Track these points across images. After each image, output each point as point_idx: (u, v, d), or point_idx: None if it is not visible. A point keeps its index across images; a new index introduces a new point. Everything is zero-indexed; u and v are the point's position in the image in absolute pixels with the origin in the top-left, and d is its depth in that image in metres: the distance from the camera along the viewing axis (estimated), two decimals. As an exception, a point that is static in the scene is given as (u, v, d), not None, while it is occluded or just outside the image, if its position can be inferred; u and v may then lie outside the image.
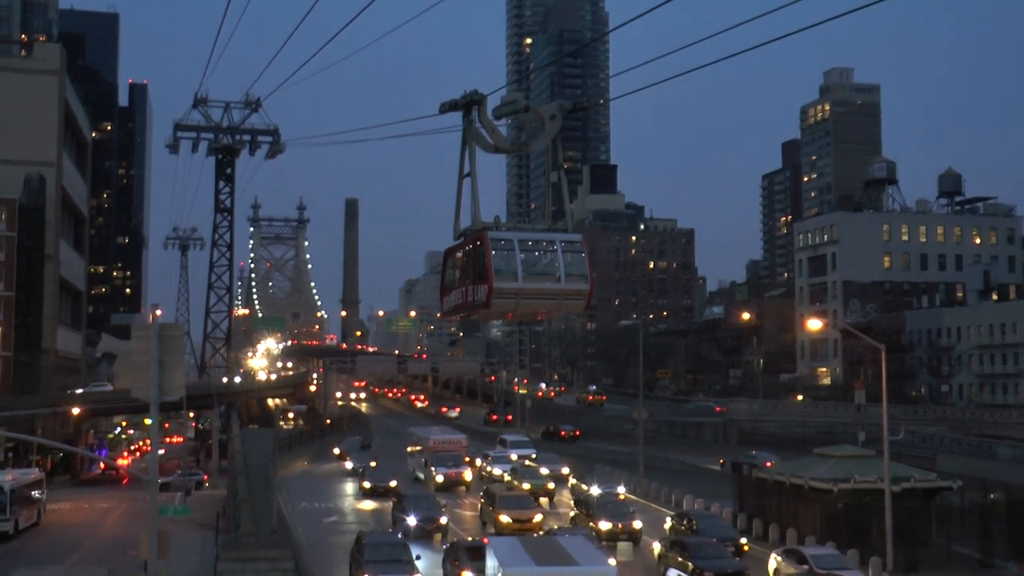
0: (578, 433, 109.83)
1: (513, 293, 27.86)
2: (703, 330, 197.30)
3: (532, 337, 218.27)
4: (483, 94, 29.02)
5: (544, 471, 70.15)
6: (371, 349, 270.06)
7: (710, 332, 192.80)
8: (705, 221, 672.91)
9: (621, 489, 62.29)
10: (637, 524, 47.93)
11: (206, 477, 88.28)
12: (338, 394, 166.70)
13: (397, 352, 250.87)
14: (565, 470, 73.39)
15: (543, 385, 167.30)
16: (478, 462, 77.77)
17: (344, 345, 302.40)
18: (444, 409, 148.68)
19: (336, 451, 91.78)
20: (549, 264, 28.47)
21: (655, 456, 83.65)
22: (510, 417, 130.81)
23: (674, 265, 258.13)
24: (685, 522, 46.98)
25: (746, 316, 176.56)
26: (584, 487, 62.56)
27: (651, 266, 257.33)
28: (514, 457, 76.64)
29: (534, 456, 78.91)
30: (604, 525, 47.24)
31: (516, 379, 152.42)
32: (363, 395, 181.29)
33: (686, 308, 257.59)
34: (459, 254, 29.92)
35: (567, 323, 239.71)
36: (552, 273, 28.31)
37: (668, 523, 48.80)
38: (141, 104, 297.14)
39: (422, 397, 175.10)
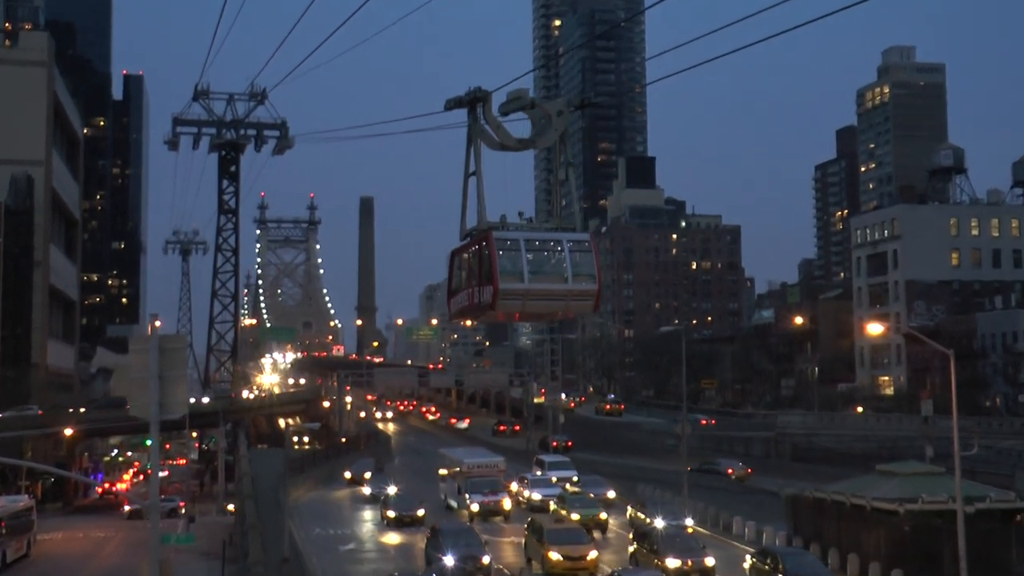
0: (570, 444, 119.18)
1: (519, 294, 29.52)
2: (751, 336, 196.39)
3: (565, 346, 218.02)
4: (487, 91, 30.64)
5: (591, 495, 68.09)
6: (379, 359, 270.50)
7: (759, 338, 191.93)
8: (752, 217, 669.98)
9: (689, 521, 59.75)
10: (710, 561, 45.98)
11: (182, 504, 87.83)
12: (362, 413, 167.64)
13: (410, 362, 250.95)
14: (611, 494, 72.21)
15: (563, 396, 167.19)
16: (514, 486, 75.40)
17: (355, 356, 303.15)
18: (453, 421, 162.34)
19: (347, 475, 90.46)
20: (556, 264, 30.23)
21: (699, 475, 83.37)
22: (518, 428, 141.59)
23: (719, 265, 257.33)
24: (769, 561, 44.53)
25: (799, 320, 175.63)
26: (644, 517, 60.07)
27: (694, 267, 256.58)
28: (554, 480, 74.72)
29: (575, 479, 77.00)
30: (672, 563, 45.14)
31: (546, 391, 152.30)
32: (390, 414, 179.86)
33: (733, 312, 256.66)
34: (465, 255, 31.65)
35: (602, 330, 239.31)
36: (559, 273, 30.08)
37: (748, 561, 46.13)
38: (137, 97, 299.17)
39: (432, 409, 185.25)
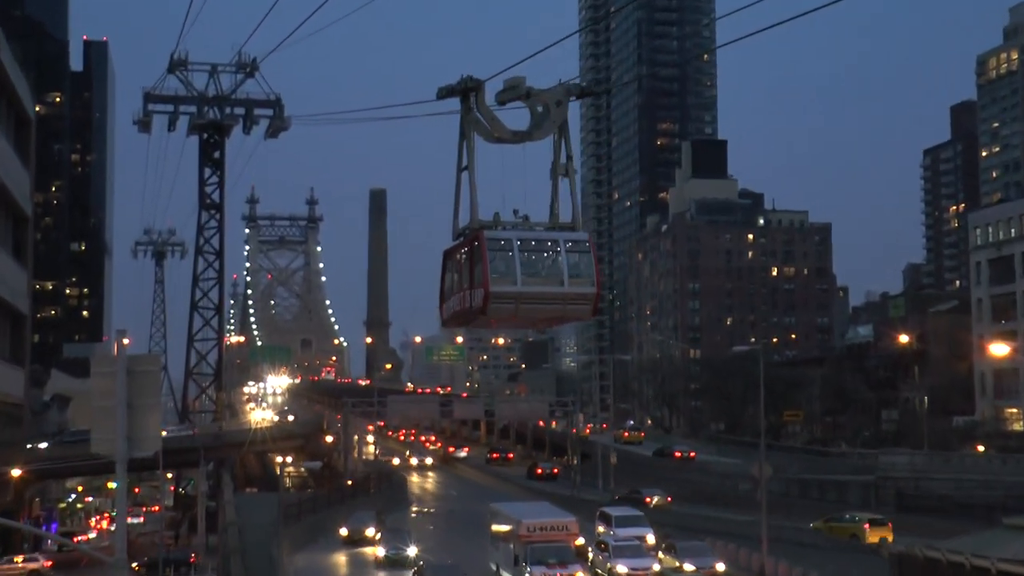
0: (556, 472, 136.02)
1: (512, 297, 32.64)
2: (845, 358, 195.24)
3: (617, 369, 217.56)
4: (480, 80, 33.71)
5: (688, 568, 64.88)
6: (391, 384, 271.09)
7: (855, 360, 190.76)
8: (846, 214, 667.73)
9: (721, 567, 59.21)
10: None
11: (193, 558, 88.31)
12: (396, 460, 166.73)
13: (430, 389, 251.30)
14: (720, 566, 67.24)
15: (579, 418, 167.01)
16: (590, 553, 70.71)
17: (362, 381, 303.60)
18: (451, 449, 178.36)
19: (343, 532, 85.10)
20: (552, 265, 33.47)
21: (781, 527, 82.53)
22: (511, 456, 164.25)
23: (805, 272, 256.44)
24: None
25: (904, 339, 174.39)
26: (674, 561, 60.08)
27: (774, 273, 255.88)
28: (625, 534, 71.64)
29: (651, 539, 73.98)
30: None
31: (593, 424, 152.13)
32: (429, 460, 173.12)
33: (822, 328, 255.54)
34: (457, 256, 34.99)
35: (663, 350, 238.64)
36: (555, 275, 33.32)
37: None
38: (100, 68, 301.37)
39: (432, 438, 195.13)
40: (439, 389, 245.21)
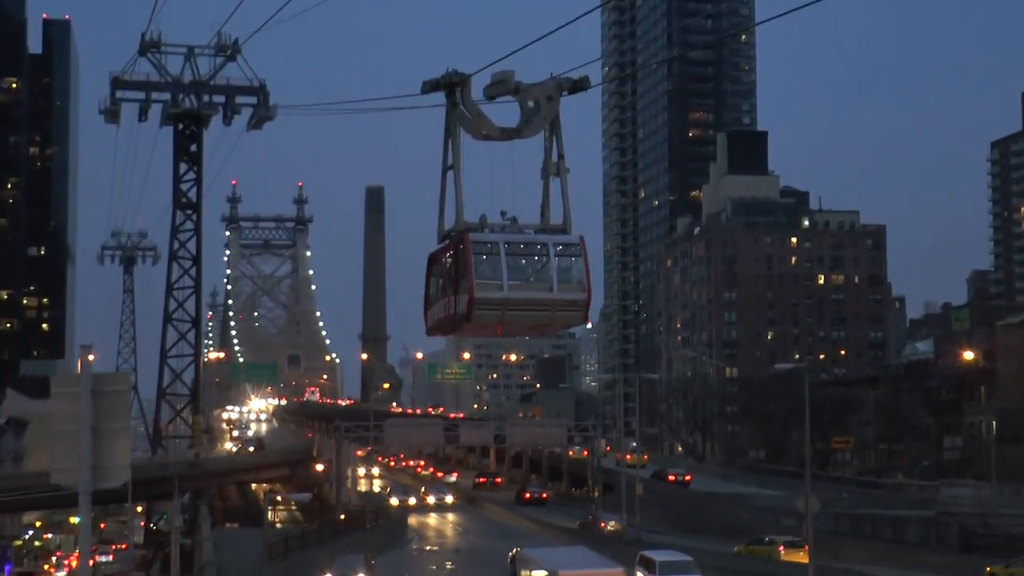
0: (545, 496, 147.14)
1: (498, 304, 34.38)
2: (902, 377, 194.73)
3: (644, 389, 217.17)
4: (465, 74, 35.51)
5: None
6: (394, 407, 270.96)
7: (913, 380, 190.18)
8: (902, 214, 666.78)
9: None
10: None
11: None
12: (430, 498, 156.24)
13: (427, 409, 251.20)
14: None
15: (601, 444, 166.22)
16: None
17: (343, 401, 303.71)
18: (440, 474, 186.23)
19: None
20: (540, 270, 35.35)
21: (829, 568, 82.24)
22: (500, 480, 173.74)
23: (856, 280, 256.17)
24: None
25: (969, 355, 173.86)
26: None
27: (821, 281, 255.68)
28: None
29: None
30: None
31: (620, 451, 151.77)
32: (450, 498, 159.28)
33: (875, 344, 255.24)
34: (442, 260, 36.85)
35: (695, 368, 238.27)
36: (544, 280, 35.09)
37: None
38: (63, 51, 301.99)
39: (422, 463, 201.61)
40: (440, 410, 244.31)
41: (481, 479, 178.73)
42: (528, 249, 35.60)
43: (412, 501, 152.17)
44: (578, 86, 37.41)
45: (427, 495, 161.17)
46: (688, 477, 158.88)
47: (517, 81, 35.98)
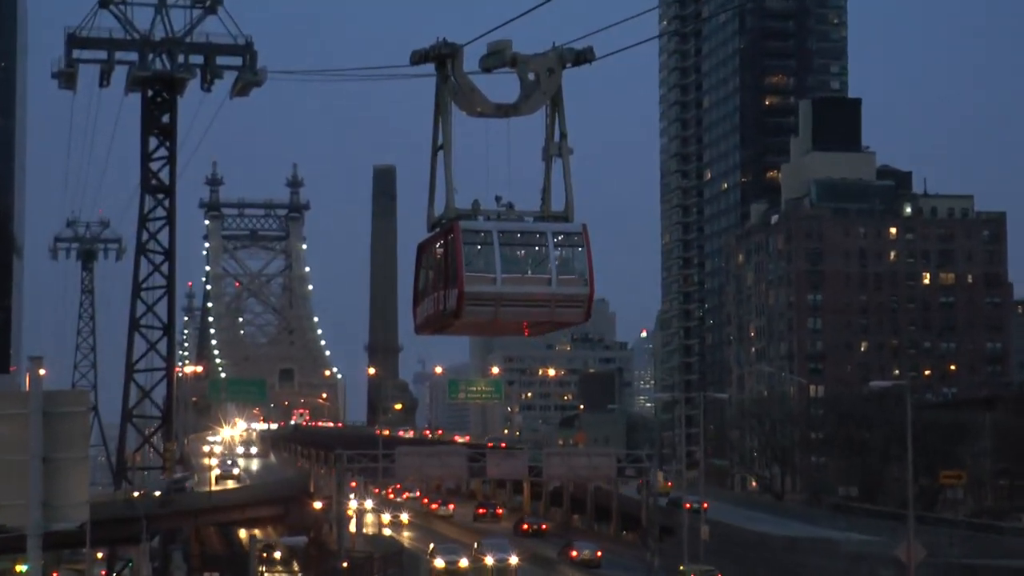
0: (545, 528, 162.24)
1: (491, 299, 36.74)
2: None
3: (711, 410, 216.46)
4: (457, 45, 37.69)
5: None
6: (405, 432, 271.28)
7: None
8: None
9: None
10: None
11: None
12: (487, 559, 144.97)
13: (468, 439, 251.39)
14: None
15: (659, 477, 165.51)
16: None
17: (324, 423, 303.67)
18: (434, 507, 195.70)
19: None
20: (538, 262, 37.63)
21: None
22: (500, 511, 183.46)
23: (970, 279, 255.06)
24: None
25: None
26: None
27: (926, 281, 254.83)
28: None
29: None
30: None
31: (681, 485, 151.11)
32: (514, 559, 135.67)
33: (993, 357, 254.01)
34: (431, 251, 39.29)
35: (772, 385, 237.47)
36: (541, 273, 37.42)
37: None
38: (8, 4, 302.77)
39: (418, 493, 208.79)
40: (467, 438, 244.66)
41: (480, 510, 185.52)
42: (525, 238, 37.82)
43: (464, 563, 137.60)
44: (582, 58, 38.89)
45: (483, 555, 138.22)
46: (705, 505, 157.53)
47: (514, 52, 37.89)
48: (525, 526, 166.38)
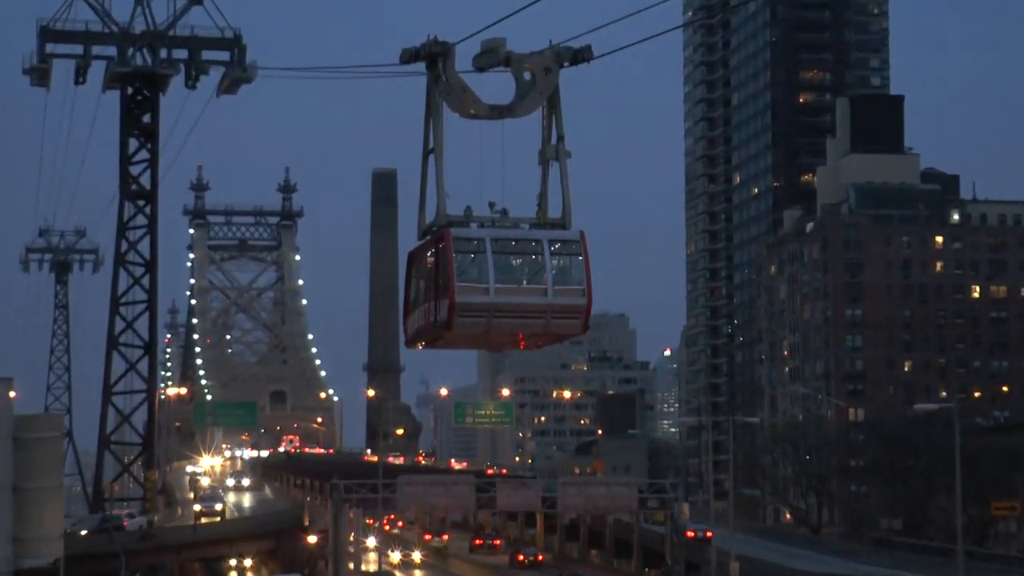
0: (541, 559, 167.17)
1: (483, 310, 38.35)
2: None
3: (741, 436, 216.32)
4: (448, 43, 39.24)
5: None
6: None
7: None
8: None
9: None
10: None
11: None
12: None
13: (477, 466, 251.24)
14: None
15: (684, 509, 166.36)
16: None
17: (313, 449, 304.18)
18: (428, 537, 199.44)
19: None
20: (533, 271, 39.14)
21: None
22: (498, 542, 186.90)
23: (1023, 292, 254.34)
24: None
25: None
26: None
27: (976, 294, 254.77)
28: None
29: None
30: None
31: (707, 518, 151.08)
32: None
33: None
34: (422, 260, 41.08)
35: (808, 408, 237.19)
36: (536, 282, 38.96)
37: None
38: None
39: (398, 523, 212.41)
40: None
41: (477, 540, 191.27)
42: (519, 246, 39.27)
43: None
44: (580, 56, 40.06)
45: None
46: (710, 533, 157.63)
47: (508, 51, 39.33)
48: (520, 557, 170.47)
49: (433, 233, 39.47)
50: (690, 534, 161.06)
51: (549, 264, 38.61)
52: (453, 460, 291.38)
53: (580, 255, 39.00)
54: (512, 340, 41.81)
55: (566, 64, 39.83)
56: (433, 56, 38.87)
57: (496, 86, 40.43)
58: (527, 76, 39.71)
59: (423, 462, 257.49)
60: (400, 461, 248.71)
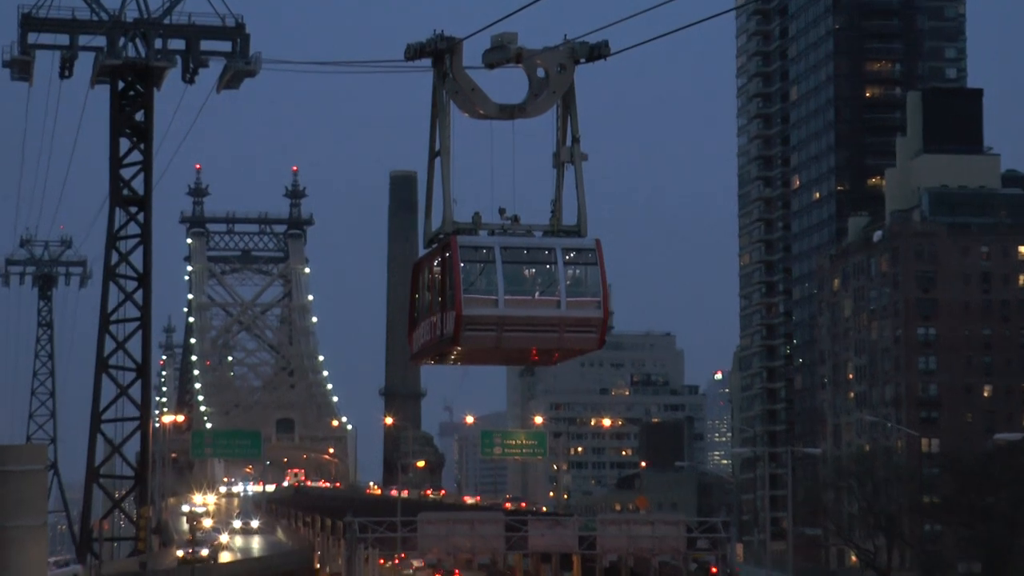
0: None
1: (492, 323, 39.23)
2: None
3: (801, 470, 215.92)
4: (455, 38, 40.27)
5: None
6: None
7: None
8: None
9: None
10: None
11: None
12: None
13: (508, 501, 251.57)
14: None
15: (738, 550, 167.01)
16: None
17: (309, 481, 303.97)
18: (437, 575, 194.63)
19: None
20: (545, 281, 39.96)
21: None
22: None
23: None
24: None
25: None
26: None
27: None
28: None
29: None
30: None
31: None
32: None
33: None
34: (428, 270, 42.00)
35: (876, 438, 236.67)
36: (550, 294, 39.90)
37: None
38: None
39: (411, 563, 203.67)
40: (507, 505, 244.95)
41: None
42: (531, 255, 40.05)
43: None
44: (596, 52, 40.84)
45: None
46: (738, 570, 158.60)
47: (519, 47, 40.30)
48: None
49: (439, 241, 40.46)
50: (714, 570, 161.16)
51: (563, 274, 39.44)
52: (467, 496, 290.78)
53: (596, 264, 39.84)
54: (523, 355, 43.27)
55: (582, 60, 40.43)
56: (439, 52, 39.78)
57: (510, 83, 41.12)
58: (540, 74, 40.64)
59: (431, 495, 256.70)
60: (404, 495, 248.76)
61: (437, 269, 40.31)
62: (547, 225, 40.96)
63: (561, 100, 40.48)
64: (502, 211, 40.42)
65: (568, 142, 40.54)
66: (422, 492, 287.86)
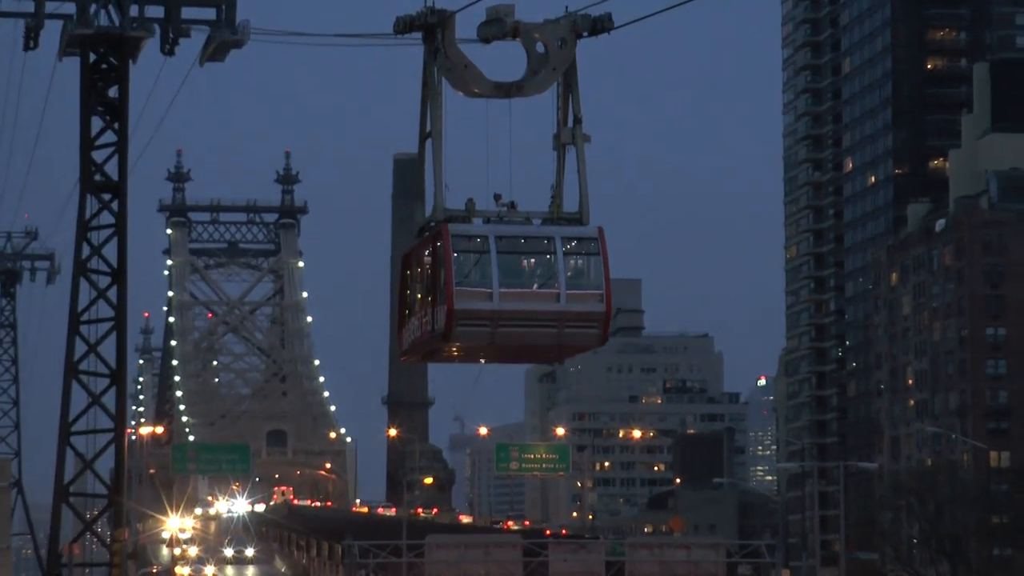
0: None
1: (486, 317, 40.41)
2: None
3: (854, 487, 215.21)
4: (447, 11, 40.99)
5: None
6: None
7: None
8: None
9: None
10: None
11: None
12: None
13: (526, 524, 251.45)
14: None
15: None
16: None
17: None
18: None
19: None
20: (543, 273, 41.07)
21: None
22: None
23: None
24: None
25: None
26: None
27: None
28: None
29: None
30: None
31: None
32: None
33: None
34: (419, 261, 43.54)
35: (939, 451, 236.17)
36: (548, 287, 40.86)
37: None
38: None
39: None
40: (526, 523, 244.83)
41: None
42: (528, 245, 41.58)
43: None
44: (599, 26, 41.65)
45: None
46: None
47: (516, 20, 40.92)
48: None
49: (430, 230, 41.42)
50: None
51: (562, 265, 40.18)
52: (462, 515, 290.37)
53: (598, 254, 40.45)
54: (519, 353, 44.53)
55: (584, 34, 41.05)
56: (430, 26, 40.49)
57: (507, 59, 41.65)
58: (540, 49, 41.15)
59: (421, 513, 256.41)
60: (391, 512, 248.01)
61: (427, 260, 41.47)
62: (546, 212, 41.74)
63: (562, 77, 41.25)
64: (498, 197, 41.27)
65: (570, 123, 41.31)
66: (413, 510, 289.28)
